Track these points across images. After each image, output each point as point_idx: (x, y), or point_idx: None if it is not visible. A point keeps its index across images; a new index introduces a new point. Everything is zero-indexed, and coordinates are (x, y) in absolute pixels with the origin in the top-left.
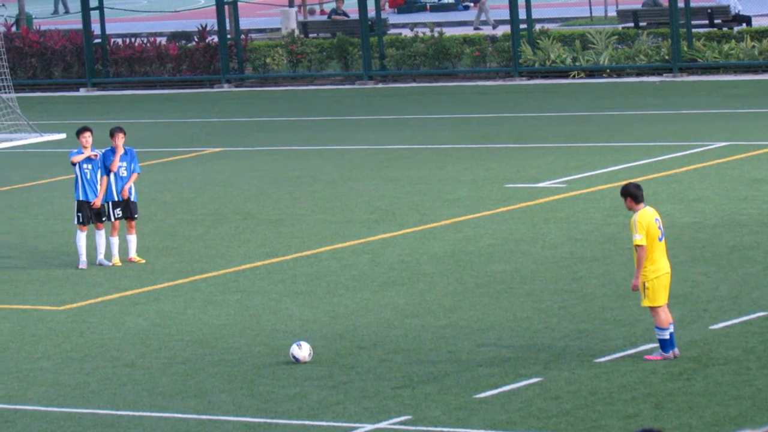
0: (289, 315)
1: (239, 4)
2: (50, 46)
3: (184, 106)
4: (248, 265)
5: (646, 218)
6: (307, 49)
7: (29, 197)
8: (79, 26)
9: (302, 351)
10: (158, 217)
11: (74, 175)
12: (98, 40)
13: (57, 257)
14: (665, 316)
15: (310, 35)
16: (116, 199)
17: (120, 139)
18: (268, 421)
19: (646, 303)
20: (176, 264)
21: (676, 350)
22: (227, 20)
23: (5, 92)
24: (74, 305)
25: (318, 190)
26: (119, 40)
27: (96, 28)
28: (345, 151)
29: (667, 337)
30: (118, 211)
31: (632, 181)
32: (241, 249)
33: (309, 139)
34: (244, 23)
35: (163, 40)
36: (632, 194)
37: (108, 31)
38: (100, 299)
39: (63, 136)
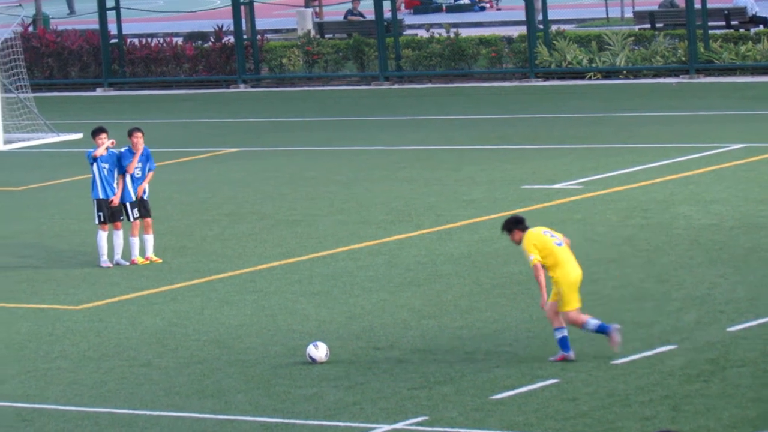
0: (306, 315)
1: (255, 4)
2: (67, 46)
3: (200, 107)
4: (265, 266)
5: (533, 237)
6: (323, 49)
7: (46, 197)
8: (96, 26)
9: (319, 351)
10: (175, 217)
11: (91, 174)
12: (115, 41)
13: (74, 257)
14: (575, 317)
15: (326, 36)
16: (133, 199)
17: (138, 139)
18: (285, 421)
19: (560, 308)
20: (193, 264)
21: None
22: (243, 21)
23: (22, 92)
24: (91, 305)
25: (334, 190)
26: (135, 41)
27: (112, 28)
28: (361, 152)
29: (566, 335)
30: (136, 211)
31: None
32: (257, 249)
33: (325, 139)
34: (260, 24)
35: (179, 41)
36: (515, 226)
37: (124, 31)
38: (117, 299)
39: (80, 135)
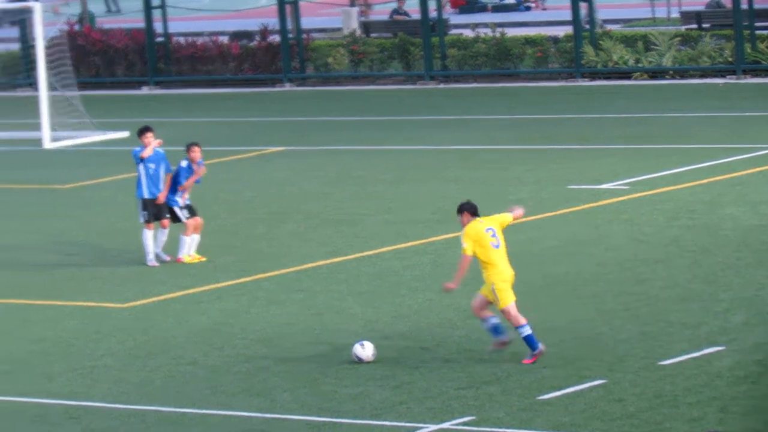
0: (352, 314)
1: (301, 3)
2: (113, 44)
3: (245, 106)
4: (311, 265)
5: (473, 230)
6: (368, 48)
7: (92, 195)
8: (141, 25)
9: (366, 351)
10: (221, 216)
11: (137, 174)
12: (161, 39)
13: (120, 255)
14: (517, 314)
15: (372, 35)
16: (181, 204)
17: (196, 152)
18: (332, 420)
19: (500, 305)
20: (239, 263)
21: (542, 346)
22: (288, 19)
23: (69, 90)
24: (138, 303)
25: (380, 190)
26: (181, 39)
27: (158, 26)
28: (406, 152)
29: (530, 332)
30: (186, 212)
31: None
32: (303, 248)
33: (371, 139)
34: (306, 23)
35: (224, 39)
36: (467, 210)
37: (170, 30)
38: (163, 297)
39: (126, 134)
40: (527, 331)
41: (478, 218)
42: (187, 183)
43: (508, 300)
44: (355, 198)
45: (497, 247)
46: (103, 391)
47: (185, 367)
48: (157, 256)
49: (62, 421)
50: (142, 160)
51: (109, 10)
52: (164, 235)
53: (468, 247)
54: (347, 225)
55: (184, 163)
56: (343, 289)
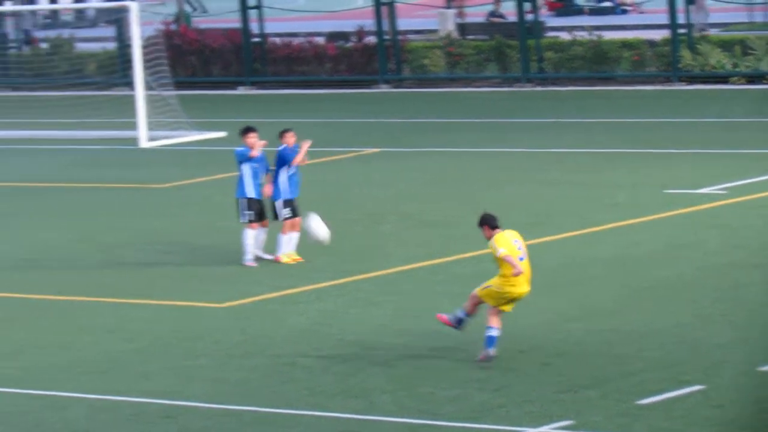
0: None
1: (397, 4)
2: (209, 44)
3: (341, 106)
4: (408, 266)
5: (504, 238)
6: (464, 50)
7: (188, 194)
8: (236, 25)
9: (320, 231)
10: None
11: (239, 174)
12: (257, 39)
13: (217, 254)
14: (498, 319)
15: (468, 37)
16: (290, 197)
17: (292, 138)
18: (431, 422)
19: (488, 298)
20: (336, 263)
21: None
22: (384, 21)
23: (165, 90)
24: (235, 303)
25: (476, 192)
26: (276, 40)
27: (254, 27)
28: (502, 154)
29: (494, 335)
30: (287, 211)
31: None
32: (400, 249)
33: (466, 141)
34: (402, 24)
35: (320, 40)
36: (487, 223)
37: (265, 30)
38: (260, 297)
39: (223, 134)
40: (493, 333)
41: (500, 230)
42: (297, 158)
43: (495, 303)
44: (451, 200)
45: (522, 259)
46: (199, 391)
47: (282, 368)
48: (257, 257)
49: (158, 419)
50: (249, 159)
51: (194, 9)
52: (264, 234)
53: (506, 251)
54: (443, 227)
55: (282, 147)
56: (441, 291)
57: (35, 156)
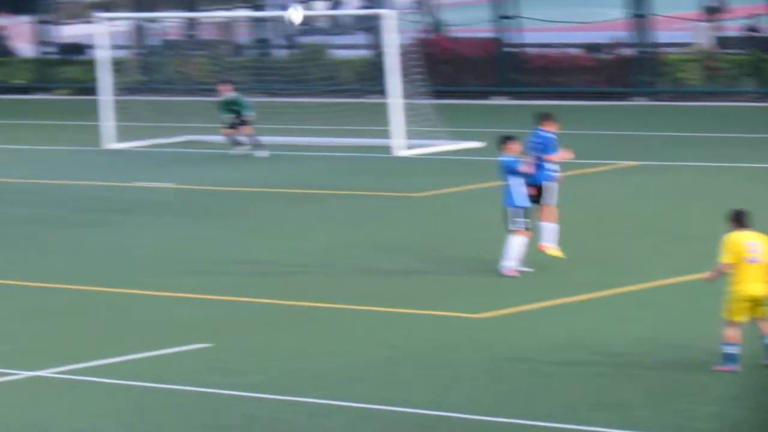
0: (705, 333)
1: (653, 17)
2: (463, 53)
3: (598, 119)
4: (667, 281)
5: (732, 241)
6: (721, 64)
7: (447, 204)
8: (490, 35)
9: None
10: (577, 230)
11: (506, 183)
12: (511, 49)
13: (474, 264)
14: (733, 333)
15: (726, 50)
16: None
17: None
18: None
19: (724, 314)
20: (595, 276)
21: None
22: (638, 33)
23: (422, 98)
24: (492, 313)
25: (734, 207)
26: (530, 50)
27: (509, 37)
28: (761, 170)
29: (730, 352)
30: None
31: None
32: (659, 264)
33: (725, 156)
34: (658, 36)
35: (572, 51)
36: (733, 219)
37: (519, 41)
38: (518, 308)
39: (481, 144)
40: (728, 350)
41: (740, 229)
42: (558, 155)
43: (732, 315)
44: (710, 215)
45: (753, 261)
46: (456, 402)
47: (540, 380)
48: (522, 270)
49: (414, 430)
50: (519, 173)
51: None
52: (525, 245)
53: (725, 262)
54: (701, 242)
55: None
56: (703, 307)
57: (292, 162)
